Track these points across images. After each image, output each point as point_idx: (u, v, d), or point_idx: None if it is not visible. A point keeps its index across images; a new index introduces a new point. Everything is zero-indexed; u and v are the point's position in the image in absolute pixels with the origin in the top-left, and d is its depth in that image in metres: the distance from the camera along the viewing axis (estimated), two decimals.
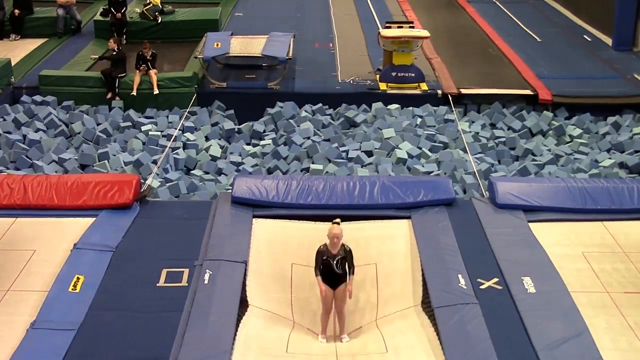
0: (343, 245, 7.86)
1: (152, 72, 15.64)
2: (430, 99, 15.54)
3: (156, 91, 15.49)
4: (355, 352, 7.59)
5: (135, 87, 15.51)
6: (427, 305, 8.12)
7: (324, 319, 7.93)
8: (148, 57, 15.68)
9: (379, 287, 8.72)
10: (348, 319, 8.07)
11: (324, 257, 7.79)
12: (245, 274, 8.56)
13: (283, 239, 9.43)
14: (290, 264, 9.03)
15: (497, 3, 24.07)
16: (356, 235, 9.42)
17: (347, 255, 7.83)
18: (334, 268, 7.74)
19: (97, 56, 16.46)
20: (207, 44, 16.59)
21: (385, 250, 9.30)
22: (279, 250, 9.21)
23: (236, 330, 7.56)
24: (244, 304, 8.10)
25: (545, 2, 24.40)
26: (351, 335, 7.99)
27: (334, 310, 7.95)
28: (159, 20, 19.29)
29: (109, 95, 15.50)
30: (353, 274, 7.89)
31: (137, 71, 15.65)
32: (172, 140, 13.56)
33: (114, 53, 15.86)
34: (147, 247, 9.18)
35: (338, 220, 8.02)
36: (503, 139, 13.96)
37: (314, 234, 9.11)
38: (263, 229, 9.62)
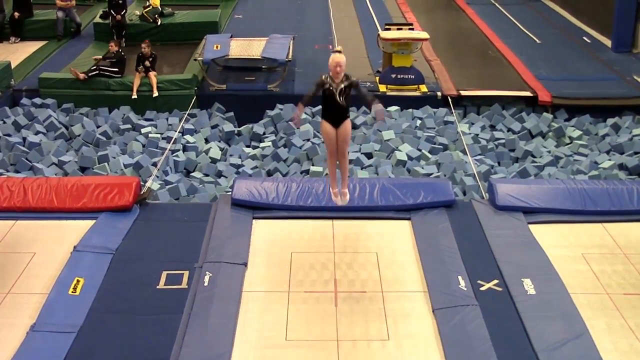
0: (346, 75, 7.57)
1: (152, 74, 15.63)
2: (430, 101, 15.54)
3: (156, 93, 15.48)
4: (357, 338, 7.58)
5: (135, 89, 15.51)
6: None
7: (331, 165, 7.74)
8: (148, 56, 15.68)
9: (381, 271, 8.77)
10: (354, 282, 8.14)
11: (326, 86, 7.47)
12: (244, 276, 8.57)
13: (283, 240, 9.43)
14: (290, 253, 9.07)
15: (497, 5, 24.10)
16: (356, 230, 9.56)
17: (351, 83, 7.53)
18: (336, 98, 7.44)
19: (99, 57, 16.44)
20: (207, 46, 16.60)
21: (385, 245, 9.35)
22: (279, 251, 9.21)
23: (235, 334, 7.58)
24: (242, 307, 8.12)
25: (545, 4, 24.43)
26: (354, 304, 7.94)
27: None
28: (159, 23, 19.30)
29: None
30: (374, 100, 7.72)
31: (137, 73, 15.65)
32: (171, 142, 13.57)
33: (113, 55, 15.85)
34: (147, 249, 9.19)
35: (340, 48, 7.76)
36: (503, 141, 13.97)
37: (313, 230, 9.15)
38: (263, 231, 9.63)
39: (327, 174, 7.85)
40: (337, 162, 8.17)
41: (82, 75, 15.56)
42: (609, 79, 16.72)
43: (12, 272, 8.63)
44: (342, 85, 7.59)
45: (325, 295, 8.30)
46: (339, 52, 7.74)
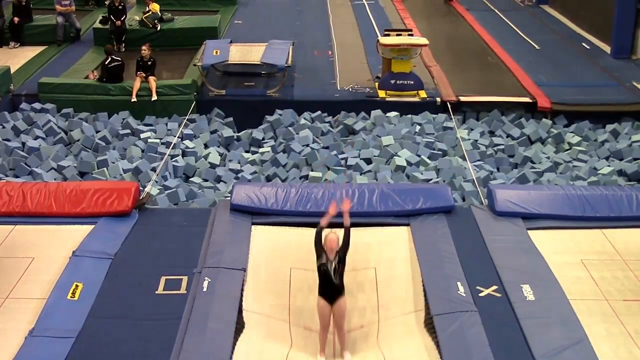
0: (337, 252, 7.81)
1: (151, 78, 15.65)
2: (429, 107, 15.55)
3: (154, 97, 15.49)
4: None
5: (134, 93, 15.51)
6: (427, 312, 8.11)
7: (322, 336, 7.83)
8: (147, 60, 15.70)
9: (378, 291, 8.73)
10: (348, 317, 8.04)
11: (322, 261, 7.71)
12: (244, 282, 8.56)
13: (282, 246, 9.42)
14: (289, 268, 9.03)
15: (496, 11, 24.13)
16: (355, 240, 9.42)
17: (341, 257, 7.76)
18: (331, 276, 7.66)
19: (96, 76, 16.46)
20: (206, 52, 16.61)
21: (385, 256, 9.32)
22: (278, 257, 9.20)
23: (235, 341, 7.55)
24: (242, 313, 8.10)
25: (544, 10, 24.45)
26: (349, 348, 7.90)
27: (332, 328, 7.84)
28: (158, 28, 19.32)
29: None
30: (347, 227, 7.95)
31: (137, 77, 15.66)
32: (171, 147, 13.57)
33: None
34: (145, 254, 9.18)
35: (334, 232, 7.97)
36: (502, 147, 13.97)
37: (312, 236, 9.10)
38: (262, 236, 9.62)
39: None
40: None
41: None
42: (608, 85, 16.73)
43: (10, 277, 8.61)
44: (335, 263, 7.77)
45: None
46: (334, 233, 7.92)
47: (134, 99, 15.49)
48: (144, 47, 15.90)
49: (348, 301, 7.91)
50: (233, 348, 7.41)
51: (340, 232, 7.94)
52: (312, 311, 8.23)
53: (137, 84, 15.57)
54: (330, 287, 7.70)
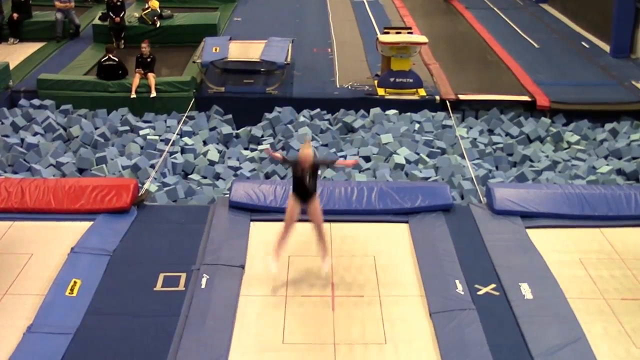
0: (312, 164, 8.17)
1: (151, 75, 15.64)
2: (428, 105, 15.54)
3: (153, 94, 15.49)
4: (354, 341, 7.57)
5: (134, 89, 15.51)
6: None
7: (282, 239, 8.37)
8: (146, 57, 15.69)
9: (378, 275, 8.77)
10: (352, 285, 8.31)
11: (297, 168, 8.12)
12: (242, 278, 8.57)
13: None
14: (287, 257, 9.05)
15: (496, 9, 24.13)
16: (353, 233, 9.63)
17: (316, 164, 8.21)
18: (305, 181, 8.12)
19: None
20: (206, 49, 16.60)
21: (383, 248, 9.36)
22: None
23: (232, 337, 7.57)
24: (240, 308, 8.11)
25: (544, 9, 24.46)
26: (351, 309, 8.05)
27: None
28: (158, 25, 19.29)
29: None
30: (333, 162, 8.87)
31: (136, 74, 15.66)
32: (170, 144, 13.56)
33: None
34: (144, 251, 9.19)
35: (308, 141, 8.45)
36: (501, 145, 13.98)
37: (310, 233, 9.12)
38: (260, 233, 9.62)
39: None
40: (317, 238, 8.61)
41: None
42: (607, 84, 16.74)
43: (9, 273, 8.62)
44: (309, 172, 8.19)
45: (322, 299, 8.30)
46: (308, 147, 8.29)
47: (133, 95, 15.49)
48: (143, 44, 15.90)
49: (345, 280, 8.12)
50: (230, 343, 7.42)
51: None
52: (309, 286, 8.47)
53: (136, 81, 15.56)
54: (303, 187, 8.17)
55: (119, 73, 15.85)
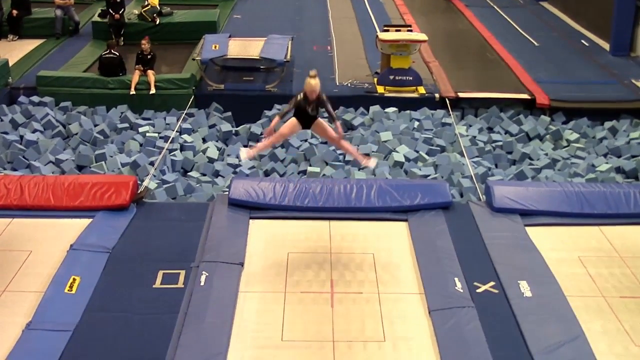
0: (319, 95, 8.38)
1: (150, 72, 15.64)
2: (428, 103, 15.54)
3: (153, 91, 15.48)
4: (353, 339, 7.58)
5: (133, 85, 15.50)
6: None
7: (266, 141, 8.78)
8: (147, 54, 15.69)
9: (377, 272, 8.77)
10: (351, 282, 8.44)
11: (301, 104, 8.38)
12: (241, 276, 8.57)
13: (280, 240, 9.43)
14: (286, 254, 9.07)
15: (495, 7, 24.12)
16: (352, 231, 9.58)
17: (322, 99, 8.39)
18: (307, 111, 8.37)
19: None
20: (205, 46, 16.59)
21: (382, 246, 9.36)
22: (276, 249, 9.21)
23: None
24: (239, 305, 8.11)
25: (544, 7, 24.45)
26: (350, 305, 8.08)
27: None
28: (157, 22, 19.28)
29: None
30: (337, 119, 8.57)
31: (136, 70, 15.65)
32: (169, 141, 13.56)
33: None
34: (143, 248, 9.18)
35: (314, 73, 8.53)
36: (500, 143, 13.98)
37: (310, 230, 9.15)
38: (260, 231, 9.63)
39: (268, 138, 8.89)
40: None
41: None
42: (606, 83, 16.74)
43: (8, 270, 8.61)
44: (314, 104, 8.48)
45: (321, 295, 8.30)
46: (314, 77, 8.45)
47: (132, 92, 15.48)
48: (143, 41, 15.89)
49: (344, 277, 8.25)
50: (229, 341, 7.42)
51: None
52: (309, 282, 8.51)
53: (135, 77, 15.56)
54: (306, 117, 8.47)
55: (118, 69, 15.84)
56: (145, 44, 15.79)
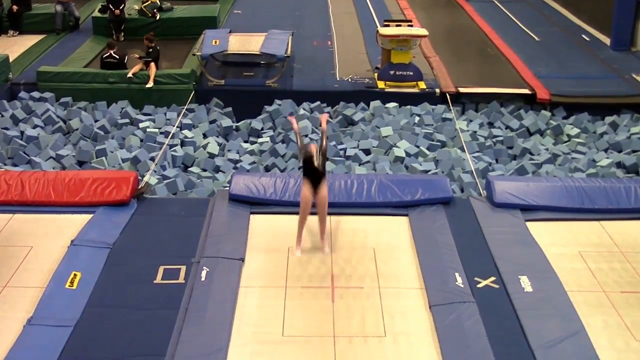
0: (318, 150, 8.78)
1: (152, 65, 15.64)
2: (429, 98, 15.53)
3: (150, 84, 15.46)
4: (353, 334, 7.59)
5: (132, 71, 15.49)
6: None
7: (300, 228, 8.90)
8: (150, 49, 15.72)
9: (378, 267, 8.79)
10: (351, 277, 8.54)
11: (307, 155, 8.72)
12: (242, 271, 8.57)
13: (280, 235, 9.43)
14: (287, 248, 9.08)
15: (496, 2, 24.06)
16: (353, 226, 9.61)
17: (322, 151, 8.71)
18: (313, 159, 8.63)
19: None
20: (205, 41, 16.57)
21: (383, 241, 9.37)
22: (277, 245, 9.21)
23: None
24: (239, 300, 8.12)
25: (544, 2, 24.39)
26: (350, 300, 8.13)
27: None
28: (157, 17, 19.25)
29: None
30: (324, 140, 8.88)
31: (139, 61, 15.67)
32: (169, 137, 13.56)
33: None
34: (144, 244, 9.19)
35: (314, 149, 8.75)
36: (501, 138, 13.97)
37: (310, 225, 9.14)
38: (260, 226, 9.63)
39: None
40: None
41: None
42: (607, 77, 16.71)
43: (9, 266, 8.63)
44: (317, 154, 8.78)
45: (322, 290, 8.31)
46: (313, 145, 8.92)
47: (129, 75, 15.44)
48: (149, 37, 15.93)
49: (345, 272, 8.48)
50: (230, 336, 7.43)
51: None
52: (309, 277, 8.57)
53: (137, 67, 15.58)
54: (313, 170, 8.65)
55: (119, 69, 15.85)
56: (146, 42, 15.82)
